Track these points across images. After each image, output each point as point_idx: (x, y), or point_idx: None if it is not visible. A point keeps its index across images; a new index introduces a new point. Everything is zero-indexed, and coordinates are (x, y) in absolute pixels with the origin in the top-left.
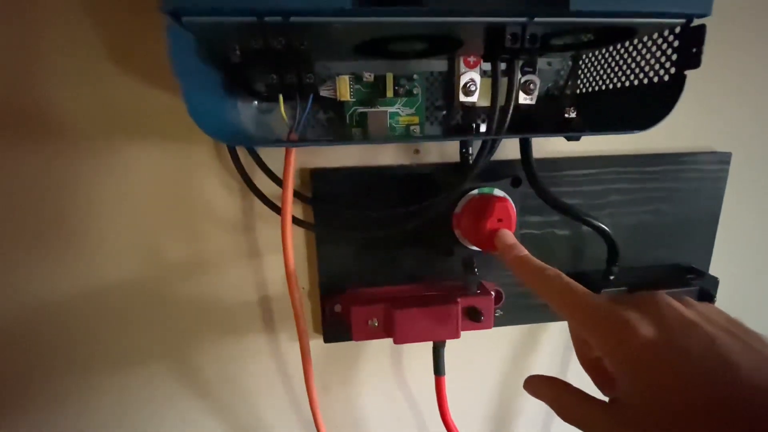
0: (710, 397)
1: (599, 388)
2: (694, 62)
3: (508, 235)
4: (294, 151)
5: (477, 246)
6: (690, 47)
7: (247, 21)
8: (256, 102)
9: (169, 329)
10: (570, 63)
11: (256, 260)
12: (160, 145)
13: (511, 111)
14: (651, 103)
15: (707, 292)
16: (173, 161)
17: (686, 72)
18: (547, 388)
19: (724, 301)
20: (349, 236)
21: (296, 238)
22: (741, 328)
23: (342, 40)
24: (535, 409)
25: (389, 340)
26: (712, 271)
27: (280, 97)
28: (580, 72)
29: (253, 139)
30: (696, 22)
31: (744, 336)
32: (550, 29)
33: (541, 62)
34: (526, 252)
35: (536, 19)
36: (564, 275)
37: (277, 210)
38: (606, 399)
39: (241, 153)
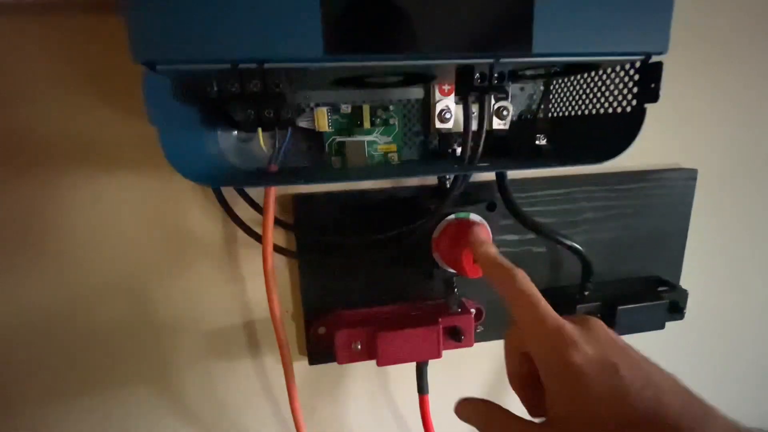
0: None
1: (528, 409)
2: (653, 97)
3: (481, 232)
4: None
5: (455, 270)
6: (648, 82)
7: (221, 67)
8: (235, 132)
9: (155, 355)
10: (542, 88)
11: (240, 286)
12: (142, 175)
13: (483, 142)
14: (615, 133)
15: (678, 304)
16: (156, 190)
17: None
18: (475, 412)
19: (693, 311)
20: (331, 262)
21: (279, 262)
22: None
23: (317, 78)
24: None
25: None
26: (683, 282)
27: (259, 130)
28: (551, 96)
29: (232, 178)
30: (654, 59)
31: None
32: (516, 67)
33: (514, 87)
34: (495, 250)
35: (501, 60)
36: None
37: (259, 239)
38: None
39: None
